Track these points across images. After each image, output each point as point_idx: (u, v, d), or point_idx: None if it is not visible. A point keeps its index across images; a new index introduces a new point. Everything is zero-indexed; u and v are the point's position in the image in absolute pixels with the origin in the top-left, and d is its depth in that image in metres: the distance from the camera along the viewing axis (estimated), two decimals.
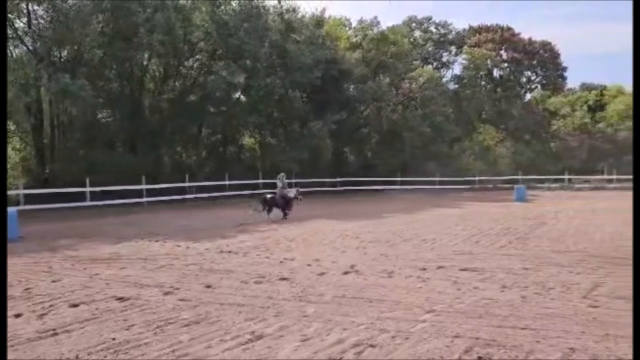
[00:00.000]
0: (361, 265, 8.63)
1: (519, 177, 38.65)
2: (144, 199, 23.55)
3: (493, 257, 9.33)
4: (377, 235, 12.83)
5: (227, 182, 28.30)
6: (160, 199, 24.02)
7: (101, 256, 10.03)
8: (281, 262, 9.17)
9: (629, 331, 4.91)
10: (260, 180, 30.21)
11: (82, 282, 7.62)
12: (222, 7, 27.92)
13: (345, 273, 8.05)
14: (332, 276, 7.83)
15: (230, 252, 10.38)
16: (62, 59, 24.45)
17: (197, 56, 29.80)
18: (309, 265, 8.76)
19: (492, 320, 5.35)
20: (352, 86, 35.74)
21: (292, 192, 17.93)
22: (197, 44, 28.82)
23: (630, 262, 8.55)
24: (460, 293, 6.62)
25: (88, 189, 21.44)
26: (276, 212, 17.32)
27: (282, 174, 18.83)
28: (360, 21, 39.43)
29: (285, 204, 17.48)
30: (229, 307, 6.06)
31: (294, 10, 32.16)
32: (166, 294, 6.78)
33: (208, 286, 7.20)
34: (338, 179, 34.26)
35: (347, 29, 39.76)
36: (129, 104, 26.75)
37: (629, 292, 6.54)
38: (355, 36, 38.98)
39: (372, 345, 4.67)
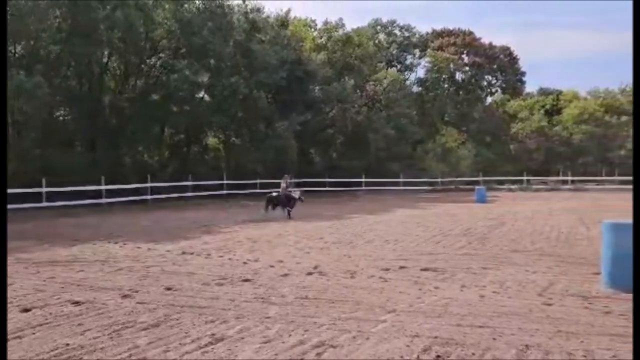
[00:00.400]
0: (324, 266, 8.65)
1: (480, 178, 39.58)
2: (104, 200, 22.95)
3: (453, 257, 9.51)
4: (341, 236, 12.89)
5: (190, 183, 27.91)
6: (120, 199, 23.47)
7: (57, 259, 9.70)
8: (244, 263, 9.10)
9: (579, 327, 5.09)
10: (225, 181, 29.95)
11: (36, 285, 7.36)
12: (186, 6, 27.52)
13: (309, 274, 8.05)
14: (295, 277, 7.81)
15: (192, 253, 10.22)
16: (16, 55, 23.56)
17: (160, 54, 29.28)
18: (272, 266, 8.72)
19: (451, 319, 5.44)
20: (317, 87, 35.85)
21: (296, 193, 18.87)
22: (159, 42, 28.35)
23: (584, 261, 8.90)
24: (420, 293, 6.72)
25: (44, 190, 20.71)
26: (279, 210, 18.15)
27: (287, 175, 19.83)
28: (325, 22, 39.63)
29: (287, 203, 18.17)
30: (189, 310, 5.96)
31: (258, 10, 32.06)
32: (124, 297, 6.62)
33: (168, 288, 7.06)
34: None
35: (312, 30, 39.87)
36: (88, 103, 26.01)
37: (581, 289, 6.80)
38: (320, 37, 39.13)
39: (333, 346, 4.68)
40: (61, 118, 27.53)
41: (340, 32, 38.65)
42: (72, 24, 23.58)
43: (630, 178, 40.40)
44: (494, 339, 4.80)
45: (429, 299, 6.35)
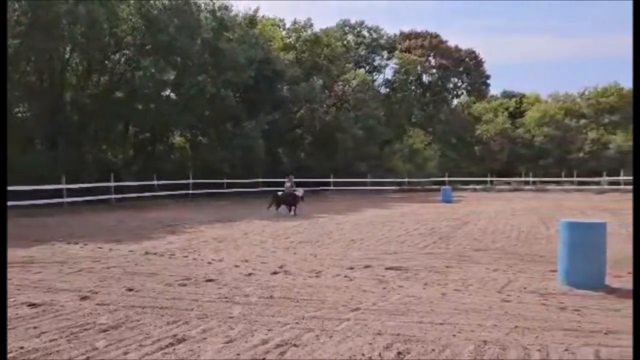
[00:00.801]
0: (290, 266, 8.65)
1: (446, 178, 40.31)
2: (65, 200, 22.30)
3: (418, 256, 9.65)
4: (307, 235, 12.91)
5: (155, 182, 27.42)
6: (82, 199, 22.86)
7: (13, 260, 9.37)
8: (209, 263, 9.01)
9: (535, 323, 5.25)
10: (191, 181, 29.56)
11: None
12: (151, 2, 27.03)
13: (274, 273, 8.03)
14: (260, 277, 7.79)
15: (156, 254, 10.05)
16: None
17: (125, 51, 28.64)
18: (237, 266, 8.66)
19: (413, 317, 5.53)
20: (285, 87, 35.76)
21: (299, 192, 19.81)
22: (124, 39, 27.71)
23: (542, 259, 9.17)
24: (385, 291, 6.79)
25: None
26: (283, 208, 19.28)
27: (291, 175, 21.07)
28: (294, 22, 39.60)
29: (292, 202, 19.23)
30: (150, 311, 5.86)
31: (226, 8, 31.73)
32: (83, 298, 6.46)
33: (130, 289, 6.93)
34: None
35: (281, 29, 39.78)
36: (49, 99, 25.25)
37: (538, 286, 7.01)
38: (289, 37, 39.08)
39: (296, 345, 4.69)
40: (20, 115, 26.59)
41: (309, 32, 38.70)
42: (32, 17, 22.83)
43: (588, 179, 41.89)
44: (454, 335, 4.90)
45: (393, 297, 6.42)
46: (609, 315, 5.55)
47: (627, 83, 53.92)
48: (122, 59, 28.76)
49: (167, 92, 30.25)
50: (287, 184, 20.03)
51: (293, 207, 19.17)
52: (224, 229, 14.38)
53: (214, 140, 32.06)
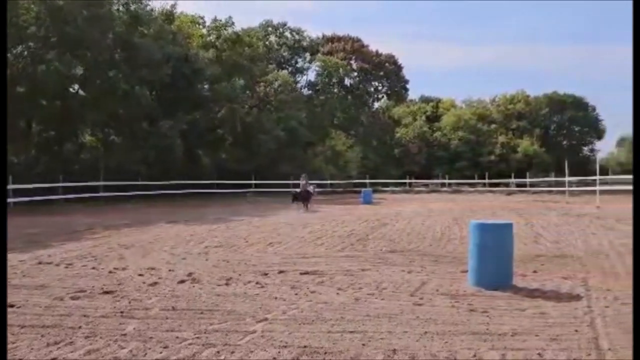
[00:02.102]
0: (200, 273, 8.14)
1: (367, 180, 41.00)
2: None
3: (335, 259, 9.46)
4: (223, 239, 12.39)
5: (61, 185, 25.52)
6: None
7: None
8: (110, 272, 8.28)
9: (445, 327, 5.17)
10: (102, 182, 27.85)
11: None
12: None
13: (181, 282, 7.50)
14: (165, 286, 7.22)
15: (50, 263, 9.14)
16: None
17: (29, 43, 26.46)
18: (140, 275, 8.02)
19: (322, 326, 5.26)
20: (205, 86, 34.72)
21: (311, 189, 22.44)
22: (26, 29, 25.56)
23: (455, 260, 9.29)
24: (296, 298, 6.50)
25: None
26: (299, 204, 21.73)
27: (305, 174, 23.38)
28: (214, 20, 38.58)
29: (306, 198, 21.67)
30: (30, 330, 5.17)
31: (140, 1, 30.19)
32: None
33: (10, 306, 6.11)
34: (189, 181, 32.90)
35: (201, 27, 38.62)
36: None
37: (450, 288, 7.01)
38: (209, 35, 38.02)
39: None
40: None
41: (230, 30, 37.84)
42: None
43: (498, 181, 44.24)
44: (364, 344, 4.69)
45: (304, 305, 6.14)
46: (514, 315, 5.60)
47: (533, 91, 57.84)
48: (25, 52, 26.56)
49: (75, 88, 28.30)
50: (302, 182, 22.43)
51: (307, 203, 21.52)
52: (134, 234, 13.50)
53: (129, 139, 30.45)
